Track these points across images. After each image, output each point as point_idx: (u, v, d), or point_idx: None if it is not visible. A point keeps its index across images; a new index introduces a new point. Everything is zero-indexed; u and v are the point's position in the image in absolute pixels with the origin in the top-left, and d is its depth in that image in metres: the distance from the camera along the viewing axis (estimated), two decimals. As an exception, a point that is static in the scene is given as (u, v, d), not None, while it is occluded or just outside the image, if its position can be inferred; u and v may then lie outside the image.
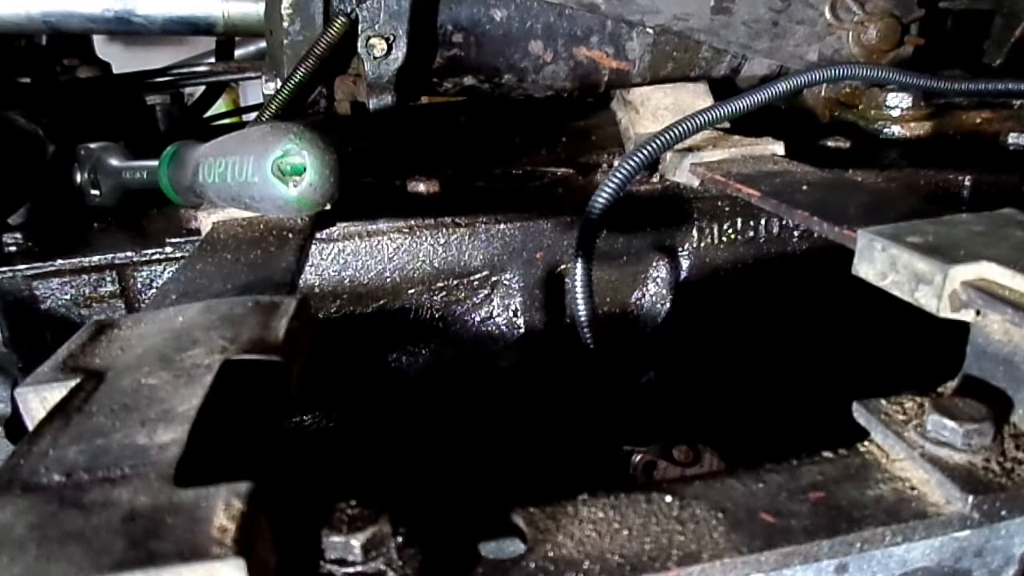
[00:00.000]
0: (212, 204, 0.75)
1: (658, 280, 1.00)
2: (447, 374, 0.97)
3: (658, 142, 0.83)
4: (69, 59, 1.46)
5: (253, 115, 1.24)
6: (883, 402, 0.48)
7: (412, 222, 0.89)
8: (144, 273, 0.86)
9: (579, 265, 0.82)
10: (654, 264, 0.99)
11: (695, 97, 1.05)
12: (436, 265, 0.91)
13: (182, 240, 0.85)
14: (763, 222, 0.99)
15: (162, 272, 0.87)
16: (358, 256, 0.89)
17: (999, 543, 0.43)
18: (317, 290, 0.89)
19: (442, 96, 1.21)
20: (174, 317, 0.49)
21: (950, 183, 1.01)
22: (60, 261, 0.84)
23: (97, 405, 0.40)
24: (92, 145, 0.97)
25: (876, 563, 0.42)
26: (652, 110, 1.04)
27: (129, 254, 0.85)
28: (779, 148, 0.90)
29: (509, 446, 0.95)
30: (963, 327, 0.50)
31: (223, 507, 0.31)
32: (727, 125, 0.95)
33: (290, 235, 0.69)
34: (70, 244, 0.86)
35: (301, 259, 0.66)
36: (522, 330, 0.96)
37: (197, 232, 0.78)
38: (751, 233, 1.00)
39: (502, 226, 0.92)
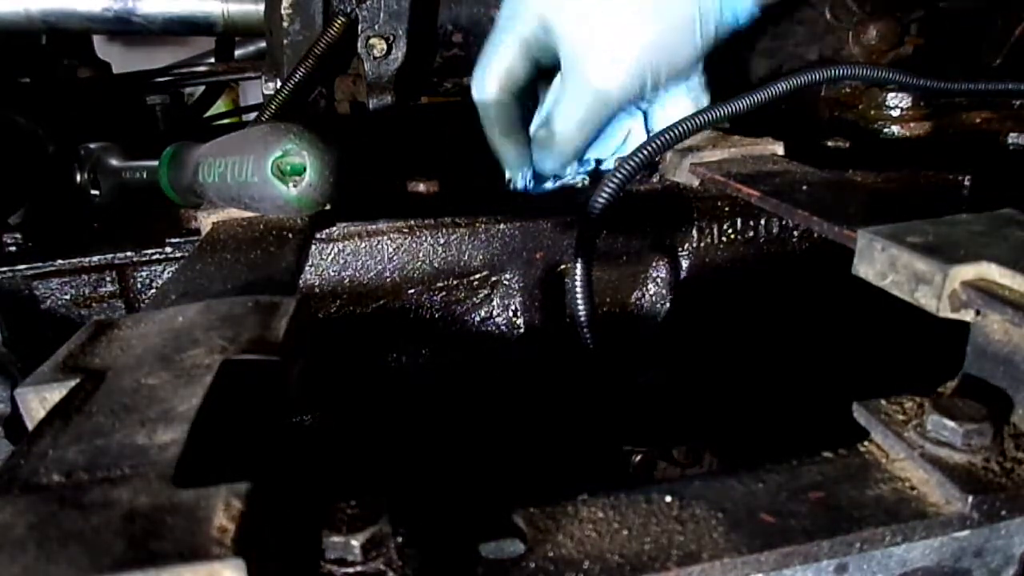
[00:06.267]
0: (212, 204, 0.75)
1: (658, 280, 1.00)
2: (447, 374, 0.97)
3: (658, 142, 0.83)
4: (69, 59, 1.46)
5: (253, 115, 1.24)
6: (883, 402, 0.48)
7: (412, 222, 0.89)
8: (144, 273, 0.86)
9: (579, 265, 0.82)
10: (654, 264, 0.99)
11: (695, 97, 1.05)
12: (436, 265, 0.91)
13: (182, 240, 0.85)
14: (763, 222, 0.99)
15: (162, 272, 0.86)
16: (358, 256, 0.89)
17: (999, 543, 0.43)
18: (317, 290, 0.89)
19: (442, 96, 1.21)
20: (174, 317, 0.49)
21: (950, 183, 1.01)
22: (60, 261, 0.84)
23: (97, 405, 0.40)
24: (92, 145, 0.97)
25: (876, 563, 0.42)
26: (652, 110, 1.03)
27: (129, 254, 0.85)
28: (779, 148, 0.90)
29: (509, 446, 0.95)
30: (963, 327, 0.50)
31: (223, 507, 0.31)
32: (727, 125, 0.95)
33: (290, 235, 0.69)
34: (70, 244, 0.86)
35: (301, 259, 0.66)
36: (522, 330, 0.96)
37: (197, 232, 0.78)
38: (751, 233, 1.00)
39: (502, 226, 0.92)
